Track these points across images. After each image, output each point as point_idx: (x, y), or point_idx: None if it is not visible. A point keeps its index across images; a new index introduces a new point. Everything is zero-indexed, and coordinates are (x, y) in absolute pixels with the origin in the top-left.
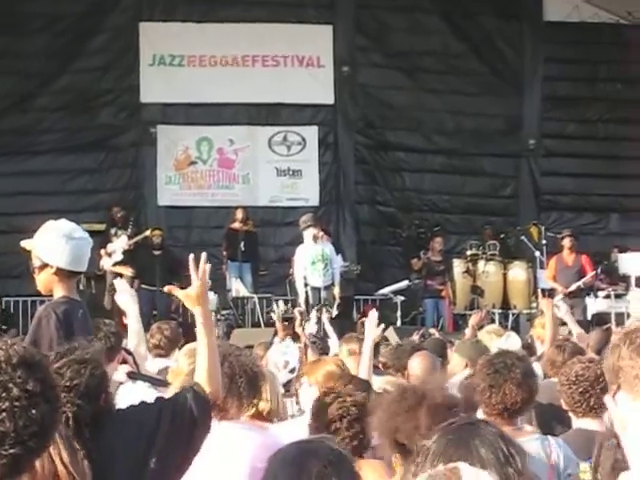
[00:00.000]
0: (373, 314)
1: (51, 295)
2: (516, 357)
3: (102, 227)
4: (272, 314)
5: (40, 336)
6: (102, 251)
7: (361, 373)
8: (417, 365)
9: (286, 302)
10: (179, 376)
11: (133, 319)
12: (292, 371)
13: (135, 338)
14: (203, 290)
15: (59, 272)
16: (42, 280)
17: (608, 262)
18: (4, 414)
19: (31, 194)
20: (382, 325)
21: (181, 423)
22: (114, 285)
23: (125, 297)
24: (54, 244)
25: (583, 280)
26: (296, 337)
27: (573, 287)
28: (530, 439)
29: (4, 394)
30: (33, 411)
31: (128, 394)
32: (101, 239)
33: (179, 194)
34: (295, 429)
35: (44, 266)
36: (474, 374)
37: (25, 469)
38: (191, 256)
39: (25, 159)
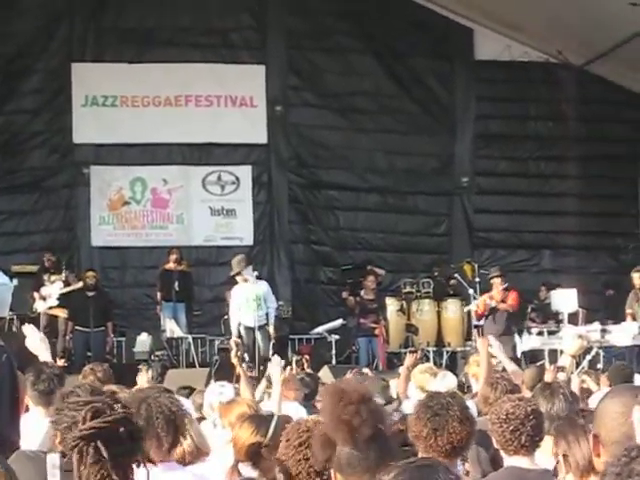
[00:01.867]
0: (276, 359)
1: None
2: (448, 396)
3: (35, 269)
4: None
5: None
6: (36, 294)
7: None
8: None
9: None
10: None
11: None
12: None
13: None
14: None
15: None
16: None
17: (538, 300)
18: None
19: None
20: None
21: None
22: (47, 327)
23: (35, 341)
24: None
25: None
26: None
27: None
28: None
29: None
30: None
31: None
32: (34, 281)
33: (113, 234)
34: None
35: None
36: None
37: None
38: None
39: None
